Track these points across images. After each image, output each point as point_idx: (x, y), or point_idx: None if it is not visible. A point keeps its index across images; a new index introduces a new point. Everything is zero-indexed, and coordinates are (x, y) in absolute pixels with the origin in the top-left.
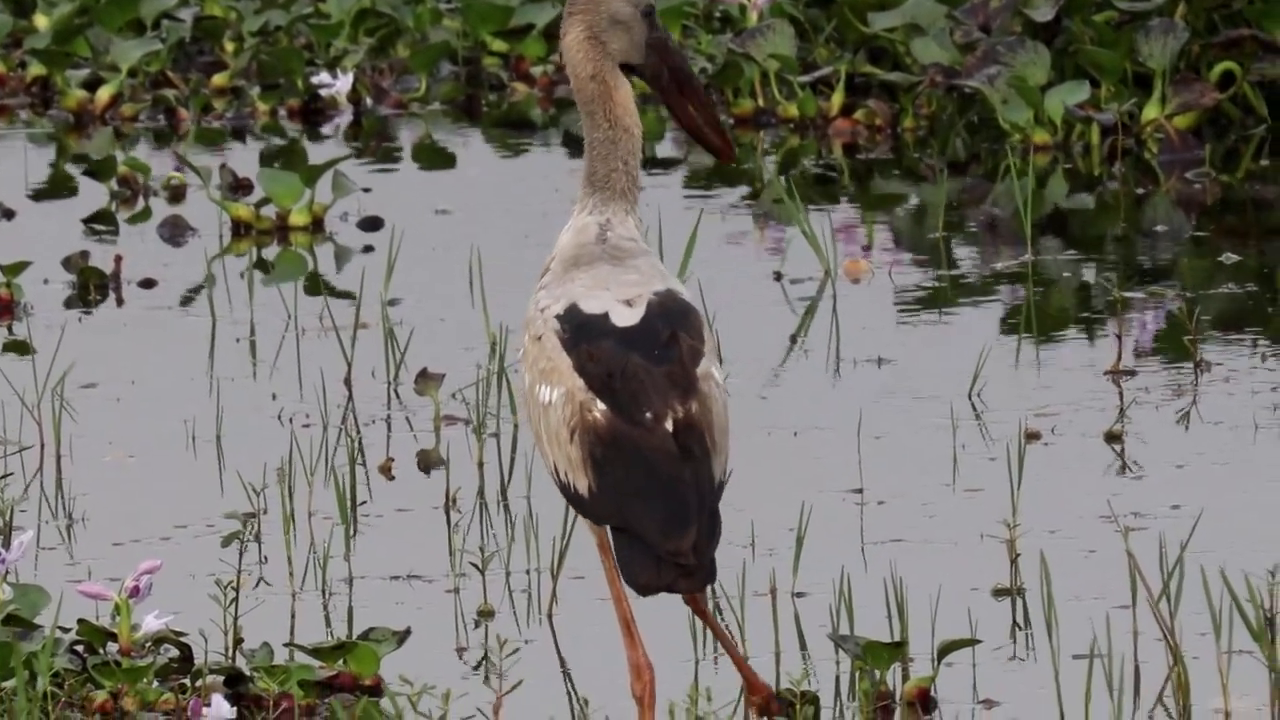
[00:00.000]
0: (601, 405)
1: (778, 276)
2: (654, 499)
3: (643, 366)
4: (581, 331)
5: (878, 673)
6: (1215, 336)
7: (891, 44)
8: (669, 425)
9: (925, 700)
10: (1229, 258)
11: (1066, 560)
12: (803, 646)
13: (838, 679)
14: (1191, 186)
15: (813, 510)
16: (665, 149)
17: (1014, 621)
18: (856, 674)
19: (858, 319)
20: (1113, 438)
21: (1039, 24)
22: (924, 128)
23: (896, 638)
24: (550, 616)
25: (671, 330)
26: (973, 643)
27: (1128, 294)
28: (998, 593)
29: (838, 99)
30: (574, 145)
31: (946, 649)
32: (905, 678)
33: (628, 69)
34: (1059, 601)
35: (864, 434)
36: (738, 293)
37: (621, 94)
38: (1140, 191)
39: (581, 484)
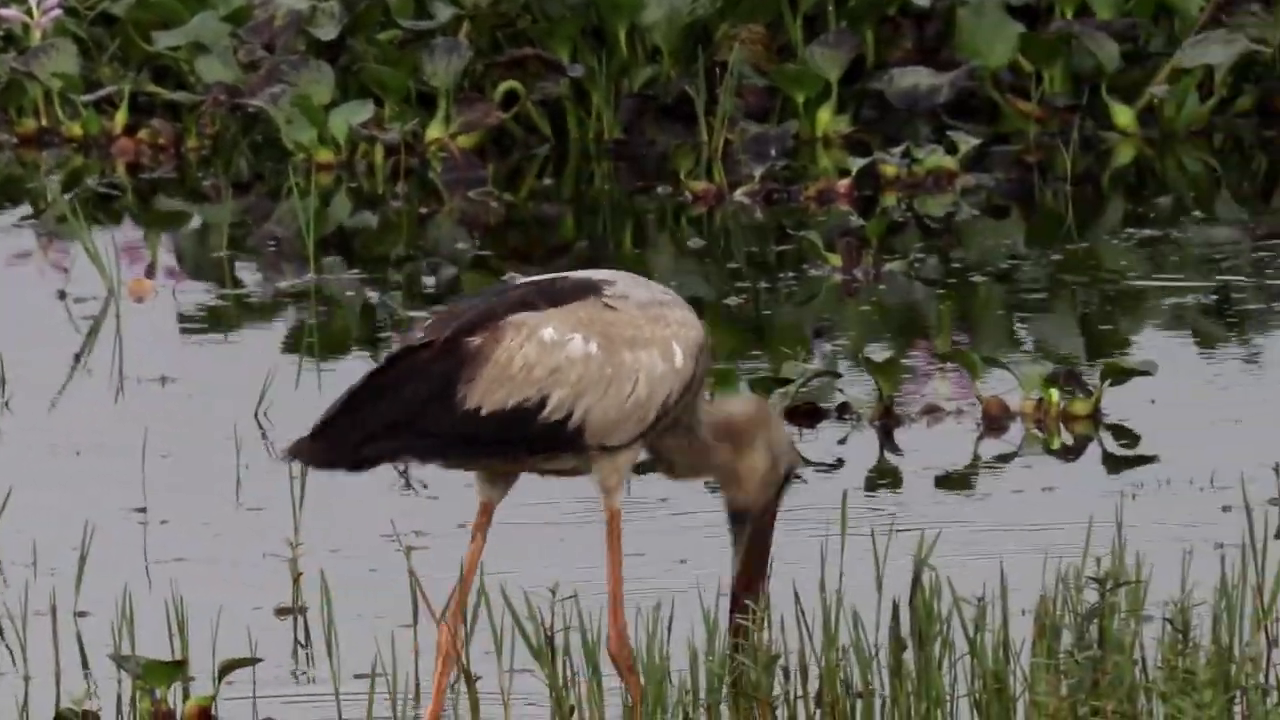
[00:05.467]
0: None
1: (61, 295)
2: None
3: (471, 304)
4: (498, 282)
5: (158, 692)
6: None
7: (176, 63)
8: (426, 343)
9: (206, 719)
10: (513, 277)
11: (350, 579)
12: (85, 666)
13: (119, 698)
14: (475, 205)
15: (95, 529)
16: None
17: (296, 640)
18: (137, 693)
19: (142, 338)
20: None
21: (323, 43)
22: (208, 147)
23: (178, 657)
24: None
25: (534, 288)
26: (253, 661)
27: (411, 313)
28: (280, 612)
29: (121, 118)
30: None
31: (227, 668)
32: (186, 697)
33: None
34: (342, 621)
35: (149, 453)
36: (22, 312)
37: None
38: (424, 211)
39: None
